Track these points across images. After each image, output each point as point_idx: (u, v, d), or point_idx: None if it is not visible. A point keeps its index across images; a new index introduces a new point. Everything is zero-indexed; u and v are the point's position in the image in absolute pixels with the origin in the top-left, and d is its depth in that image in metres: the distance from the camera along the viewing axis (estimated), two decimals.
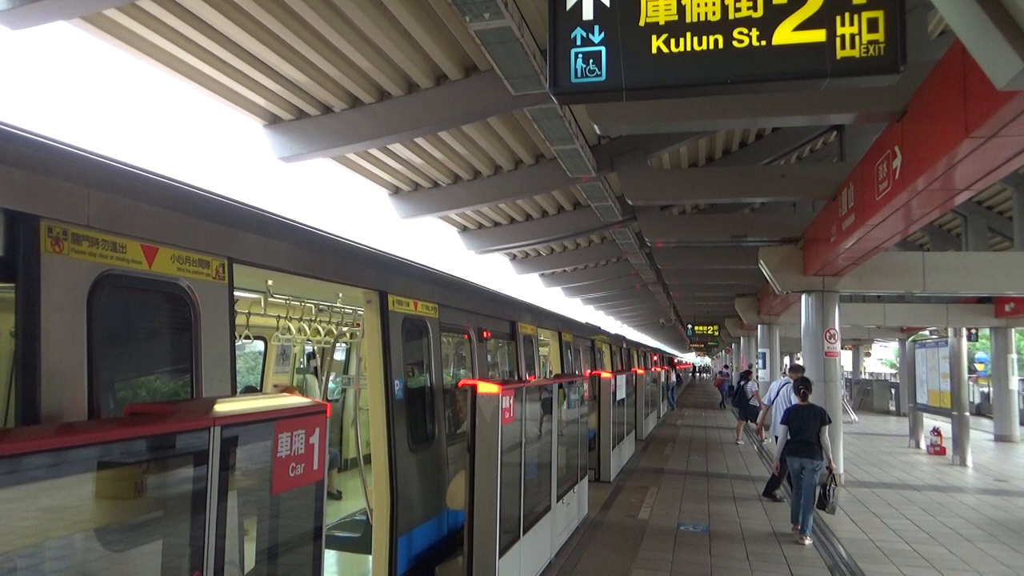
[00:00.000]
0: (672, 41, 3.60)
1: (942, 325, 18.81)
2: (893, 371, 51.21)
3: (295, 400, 2.85)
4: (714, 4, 3.57)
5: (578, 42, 3.72)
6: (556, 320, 11.51)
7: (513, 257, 20.32)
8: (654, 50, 3.63)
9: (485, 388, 4.93)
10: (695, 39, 3.58)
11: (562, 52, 3.74)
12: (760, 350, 22.51)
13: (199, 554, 2.18)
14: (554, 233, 16.25)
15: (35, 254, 2.36)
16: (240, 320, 6.45)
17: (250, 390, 7.95)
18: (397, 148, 10.80)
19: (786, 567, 6.61)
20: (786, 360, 30.58)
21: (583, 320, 15.77)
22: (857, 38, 3.38)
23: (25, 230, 2.36)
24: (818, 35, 3.43)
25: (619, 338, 21.54)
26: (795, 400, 8.27)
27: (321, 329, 7.73)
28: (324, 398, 7.53)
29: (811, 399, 8.03)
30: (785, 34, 3.47)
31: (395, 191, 13.05)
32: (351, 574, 6.00)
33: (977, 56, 3.42)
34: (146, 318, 3.04)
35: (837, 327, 11.79)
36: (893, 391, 28.30)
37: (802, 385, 8.09)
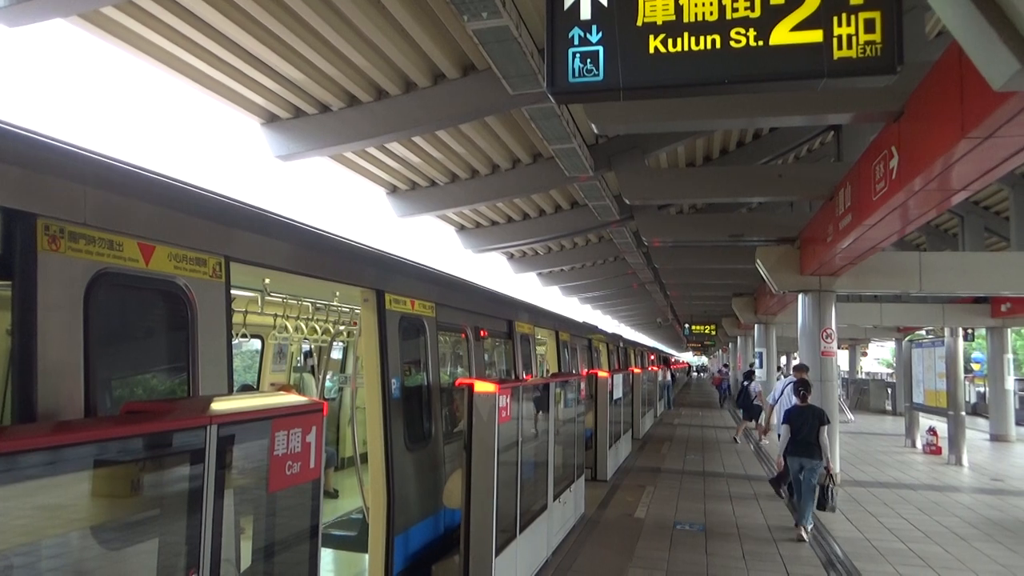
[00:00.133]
0: (669, 41, 3.61)
1: (938, 325, 18.85)
2: (889, 371, 51.32)
3: (292, 399, 2.85)
4: (711, 4, 3.57)
5: (576, 41, 3.73)
6: (553, 319, 11.52)
7: (510, 256, 20.32)
8: (651, 50, 3.63)
9: (482, 387, 4.93)
10: (692, 39, 3.58)
11: (560, 51, 3.74)
12: (757, 349, 22.56)
13: (195, 552, 2.18)
14: (551, 232, 16.25)
15: (32, 252, 2.36)
16: (237, 319, 6.44)
17: (247, 389, 7.94)
18: (395, 147, 10.79)
19: (782, 566, 6.63)
20: (783, 359, 30.67)
21: (580, 319, 15.78)
22: (854, 39, 3.38)
23: (22, 228, 2.35)
24: (815, 35, 3.43)
25: (616, 337, 21.56)
26: (796, 401, 8.41)
27: (318, 328, 7.73)
28: (321, 397, 7.53)
29: (808, 399, 8.19)
30: (782, 34, 3.47)
31: (392, 190, 13.05)
32: (347, 573, 6.00)
33: (974, 57, 3.43)
34: (143, 316, 3.04)
35: (834, 327, 11.81)
36: (889, 391, 28.37)
37: (802, 387, 8.29)
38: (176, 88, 8.34)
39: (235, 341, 6.19)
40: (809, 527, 7.76)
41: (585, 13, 3.73)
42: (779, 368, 20.80)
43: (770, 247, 12.47)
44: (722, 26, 3.54)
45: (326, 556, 6.07)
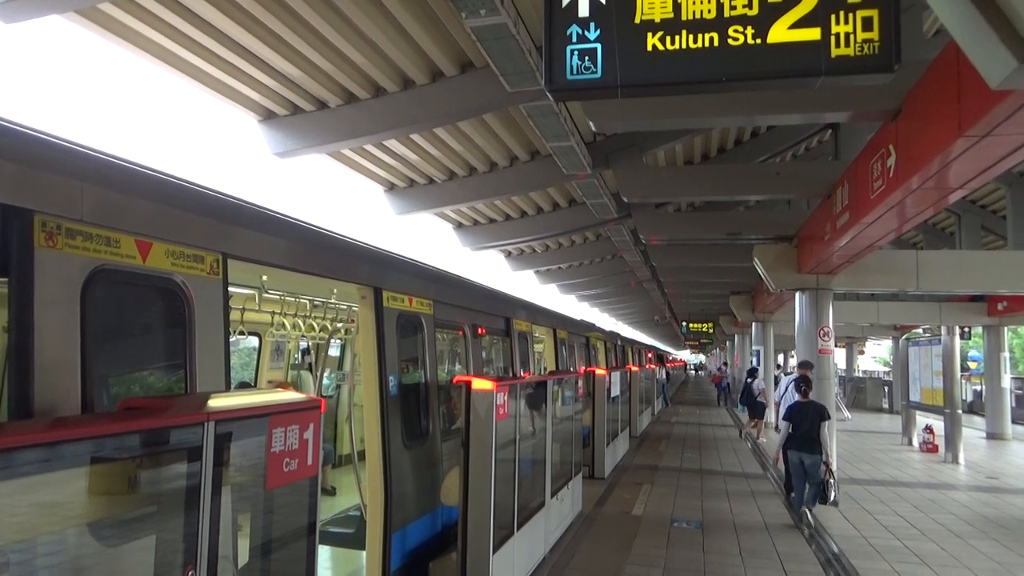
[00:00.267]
0: (667, 39, 3.61)
1: (935, 323, 18.90)
2: (886, 369, 51.47)
3: (289, 395, 2.85)
4: (709, 2, 3.57)
5: (574, 39, 3.72)
6: (551, 317, 11.52)
7: (508, 254, 20.32)
8: (649, 47, 3.63)
9: (480, 384, 4.94)
10: (690, 37, 3.58)
11: (558, 49, 3.73)
12: (754, 347, 22.61)
13: (192, 549, 2.18)
14: (549, 230, 16.25)
15: (29, 248, 2.35)
16: (234, 316, 6.44)
17: (244, 386, 7.94)
18: (392, 144, 10.77)
19: (779, 563, 6.65)
20: (780, 357, 30.69)
21: (578, 317, 15.78)
22: (852, 37, 3.38)
23: (19, 224, 2.35)
24: (813, 33, 3.43)
25: (614, 335, 21.56)
26: (798, 397, 8.65)
27: (316, 325, 7.72)
28: (318, 394, 7.52)
29: (810, 395, 8.49)
30: (780, 32, 3.48)
31: (390, 187, 13.03)
32: (345, 570, 6.01)
33: (971, 55, 3.44)
34: (140, 313, 3.03)
35: (831, 325, 11.83)
36: (886, 389, 28.44)
37: (803, 383, 8.61)
38: (173, 85, 8.36)
39: (232, 338, 6.19)
40: (811, 520, 8.01)
41: (583, 10, 3.72)
42: (779, 366, 20.85)
43: (768, 245, 12.48)
44: (720, 24, 3.54)
45: (323, 553, 6.08)
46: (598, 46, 3.70)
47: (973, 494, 10.32)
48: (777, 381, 19.38)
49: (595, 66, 3.70)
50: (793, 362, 28.57)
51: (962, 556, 7.02)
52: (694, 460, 13.04)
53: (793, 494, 8.77)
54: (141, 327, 3.08)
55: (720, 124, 10.53)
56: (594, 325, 17.43)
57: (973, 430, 18.77)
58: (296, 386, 8.44)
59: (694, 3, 3.59)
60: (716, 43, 3.55)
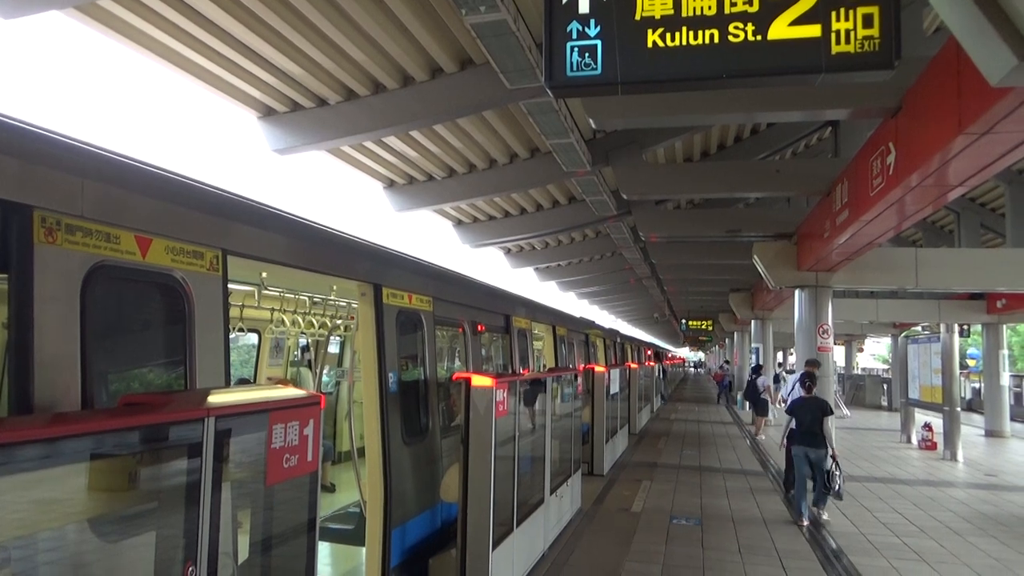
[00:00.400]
0: (668, 35, 3.61)
1: (934, 321, 18.94)
2: (885, 366, 51.51)
3: (289, 392, 2.85)
4: None
5: (574, 36, 3.72)
6: (550, 314, 11.52)
7: (508, 251, 20.33)
8: (650, 44, 3.63)
9: (479, 381, 4.94)
10: (691, 33, 3.58)
11: (558, 45, 3.73)
12: (753, 345, 22.64)
13: (192, 545, 2.18)
14: (549, 227, 16.25)
15: (28, 244, 2.35)
16: (234, 312, 6.43)
17: (244, 383, 7.93)
18: (392, 141, 10.77)
19: (778, 560, 6.66)
20: (779, 355, 30.70)
21: (577, 314, 15.79)
22: (852, 34, 3.38)
23: (18, 220, 2.34)
24: (813, 30, 3.43)
25: (613, 332, 21.57)
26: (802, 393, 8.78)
27: (315, 322, 7.72)
28: (318, 391, 7.52)
29: (813, 391, 8.64)
30: (781, 29, 3.48)
31: (390, 184, 13.03)
32: (344, 566, 6.01)
33: (971, 52, 3.44)
34: (140, 309, 3.03)
35: (830, 322, 11.85)
36: (885, 386, 28.47)
37: (807, 379, 8.78)
38: (172, 81, 8.33)
39: (232, 335, 6.19)
40: (825, 514, 8.24)
41: (583, 7, 3.72)
42: (780, 364, 20.86)
43: (767, 243, 12.49)
44: (720, 20, 3.54)
45: (323, 549, 6.08)
46: (598, 43, 3.69)
47: (971, 491, 10.33)
48: (777, 379, 19.41)
49: (595, 63, 3.69)
50: (792, 359, 28.60)
51: (960, 553, 7.03)
52: (693, 457, 13.06)
53: (793, 491, 8.81)
54: (141, 323, 3.08)
55: (720, 121, 10.54)
56: (593, 322, 17.44)
57: (972, 428, 18.80)
58: (296, 383, 8.42)
59: None
60: (716, 40, 3.55)
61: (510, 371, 8.61)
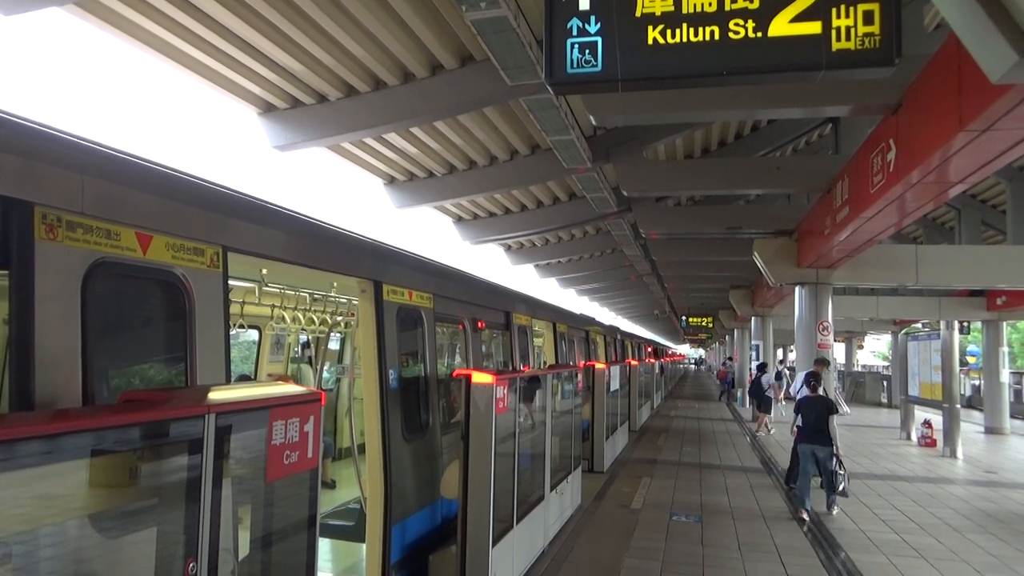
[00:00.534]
0: (668, 32, 3.60)
1: (934, 318, 18.94)
2: (885, 363, 51.52)
3: (290, 388, 2.85)
4: None
5: (574, 32, 3.72)
6: (550, 311, 11.52)
7: (508, 248, 20.32)
8: (650, 41, 3.63)
9: (479, 378, 4.94)
10: (691, 30, 3.57)
11: (558, 42, 3.73)
12: (754, 342, 22.62)
13: (193, 541, 2.19)
14: (549, 224, 16.24)
15: (29, 241, 2.35)
16: (235, 309, 6.44)
17: (244, 379, 7.95)
18: (392, 137, 10.76)
19: (777, 556, 6.67)
20: (780, 352, 30.69)
21: (577, 311, 15.79)
22: (853, 30, 3.38)
23: (19, 216, 2.35)
24: (814, 27, 3.43)
25: (613, 329, 21.56)
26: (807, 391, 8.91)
27: (316, 318, 7.72)
28: (318, 387, 7.53)
29: (819, 390, 8.81)
30: (781, 26, 3.47)
31: (390, 181, 13.02)
32: (345, 562, 6.03)
33: (972, 49, 3.43)
34: (140, 306, 3.03)
35: (830, 319, 11.85)
36: (885, 383, 28.48)
37: (812, 378, 8.93)
38: (173, 77, 8.37)
39: (232, 332, 6.19)
40: (836, 509, 8.45)
41: (584, 3, 3.72)
42: (780, 362, 20.85)
43: (767, 239, 12.49)
44: (721, 17, 3.54)
45: (324, 546, 6.10)
46: (598, 39, 3.69)
47: (971, 488, 10.34)
48: (779, 376, 19.40)
49: (595, 59, 3.69)
50: (793, 356, 28.58)
51: (960, 550, 7.04)
52: (693, 454, 13.07)
53: (795, 487, 8.85)
54: (141, 320, 3.08)
55: (720, 118, 10.53)
56: (594, 319, 17.44)
57: (971, 425, 18.80)
58: (296, 379, 8.45)
59: None
60: (717, 37, 3.54)
61: (510, 368, 8.62)
